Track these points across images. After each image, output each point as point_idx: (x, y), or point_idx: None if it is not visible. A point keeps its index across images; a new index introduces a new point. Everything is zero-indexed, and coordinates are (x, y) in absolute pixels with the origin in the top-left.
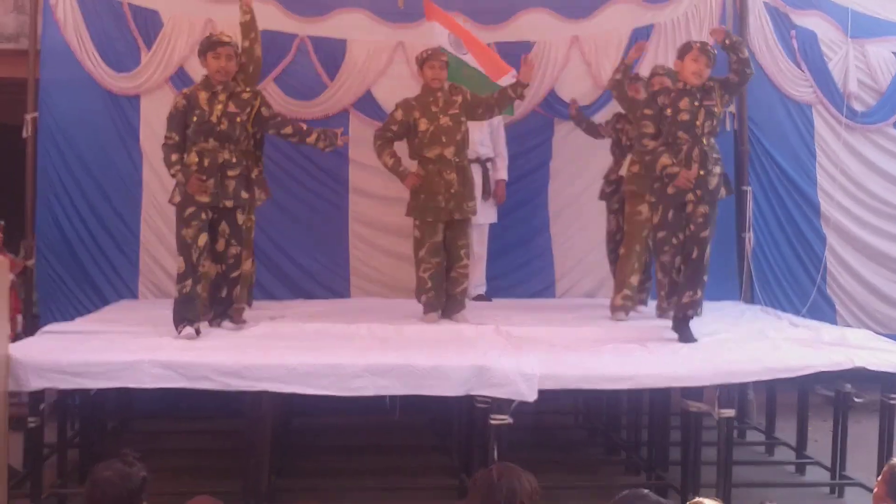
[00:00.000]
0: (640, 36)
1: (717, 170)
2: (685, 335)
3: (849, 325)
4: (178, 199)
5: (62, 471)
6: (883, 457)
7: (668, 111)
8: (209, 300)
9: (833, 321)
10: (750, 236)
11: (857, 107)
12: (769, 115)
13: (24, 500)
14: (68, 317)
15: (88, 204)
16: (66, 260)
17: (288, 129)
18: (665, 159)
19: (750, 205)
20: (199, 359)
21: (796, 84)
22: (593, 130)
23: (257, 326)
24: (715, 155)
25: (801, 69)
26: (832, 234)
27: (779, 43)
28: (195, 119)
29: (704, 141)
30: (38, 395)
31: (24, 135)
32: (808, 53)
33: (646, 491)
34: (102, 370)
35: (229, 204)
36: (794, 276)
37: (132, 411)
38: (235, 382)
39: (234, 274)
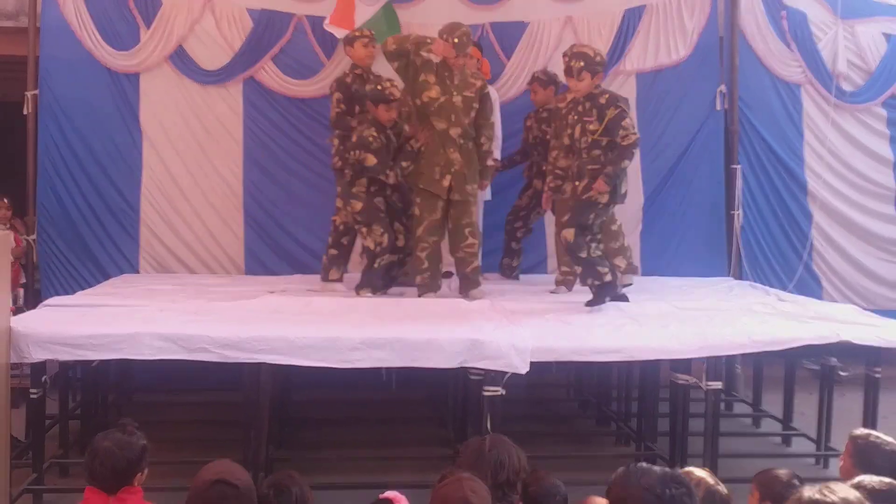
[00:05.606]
0: (633, 16)
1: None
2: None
3: (834, 301)
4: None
5: (64, 441)
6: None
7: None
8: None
9: (819, 297)
10: (739, 214)
11: (846, 86)
12: (759, 94)
13: (26, 470)
14: (70, 291)
15: (89, 180)
16: (67, 235)
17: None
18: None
19: (739, 183)
20: (198, 331)
21: (786, 64)
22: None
23: (256, 300)
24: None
25: (790, 49)
26: (819, 212)
27: (769, 23)
28: None
29: (584, 155)
30: (39, 367)
31: (25, 112)
32: (797, 34)
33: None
34: (103, 342)
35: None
36: (781, 253)
37: (133, 383)
38: (234, 354)
39: None
